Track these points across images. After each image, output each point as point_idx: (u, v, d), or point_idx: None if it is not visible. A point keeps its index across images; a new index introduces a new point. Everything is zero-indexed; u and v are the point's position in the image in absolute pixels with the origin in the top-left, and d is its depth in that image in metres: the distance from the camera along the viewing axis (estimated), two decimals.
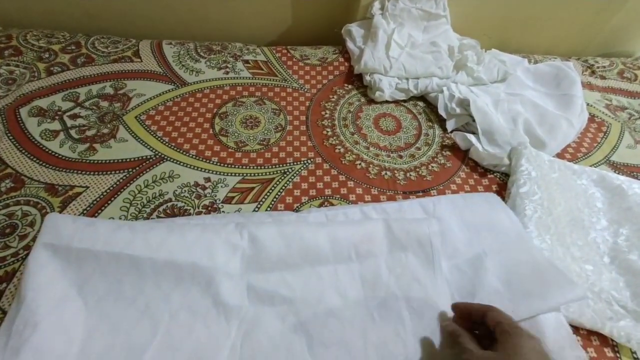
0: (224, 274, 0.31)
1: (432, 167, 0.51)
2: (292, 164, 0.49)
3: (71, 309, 0.29)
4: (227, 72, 0.59)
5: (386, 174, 0.50)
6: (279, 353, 0.29)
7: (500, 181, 0.50)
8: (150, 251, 0.31)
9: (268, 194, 0.46)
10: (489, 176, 0.51)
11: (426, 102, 0.60)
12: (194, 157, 0.48)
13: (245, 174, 0.47)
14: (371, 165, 0.50)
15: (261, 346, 0.29)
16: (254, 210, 0.43)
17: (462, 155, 0.53)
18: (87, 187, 0.43)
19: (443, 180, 0.50)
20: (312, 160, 0.50)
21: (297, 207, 0.44)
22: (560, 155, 0.53)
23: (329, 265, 0.35)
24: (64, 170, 0.44)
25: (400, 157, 0.52)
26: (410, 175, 0.50)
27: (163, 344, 0.28)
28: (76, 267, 0.31)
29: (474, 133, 0.53)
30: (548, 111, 0.55)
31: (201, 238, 0.33)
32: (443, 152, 0.53)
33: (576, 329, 0.36)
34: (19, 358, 0.27)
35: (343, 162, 0.50)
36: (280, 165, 0.49)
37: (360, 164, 0.50)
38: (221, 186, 0.45)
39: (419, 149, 0.53)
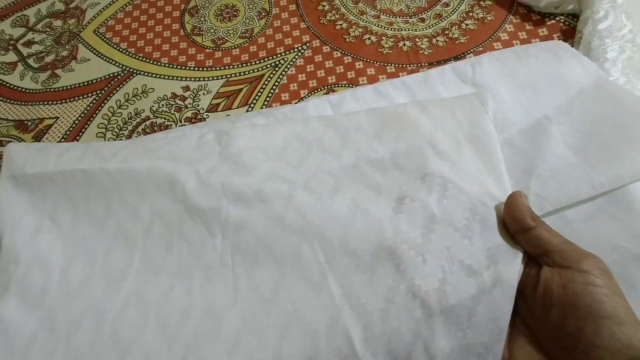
0: (188, 172, 0.24)
1: (467, 24, 0.38)
2: (283, 53, 0.39)
3: (47, 239, 0.26)
4: None
5: (404, 45, 0.38)
6: (285, 266, 0.22)
7: (565, 26, 0.37)
8: (101, 161, 0.25)
9: (259, 93, 0.37)
10: (548, 23, 0.37)
11: None
12: (166, 65, 0.40)
13: (229, 75, 0.39)
14: (384, 38, 0.39)
15: (257, 257, 0.22)
16: None
17: (509, 2, 0.39)
18: (57, 118, 0.38)
19: (483, 40, 0.37)
20: (307, 44, 0.40)
21: (297, 103, 0.36)
22: None
23: (343, 160, 0.26)
24: (30, 103, 0.39)
25: (422, 20, 0.40)
26: (437, 41, 0.38)
27: (143, 266, 0.24)
28: (40, 195, 0.27)
29: None
30: None
31: (165, 145, 0.26)
32: (481, 2, 0.39)
33: None
34: (9, 294, 0.25)
35: (347, 39, 0.39)
36: (270, 58, 0.39)
37: (369, 38, 0.39)
38: (203, 93, 0.38)
39: (446, 4, 0.40)
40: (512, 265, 0.20)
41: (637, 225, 0.24)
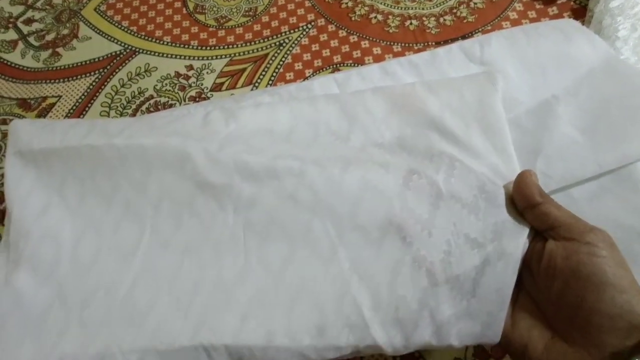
0: (197, 149, 0.24)
1: (475, 3, 0.38)
2: (288, 32, 0.39)
3: (56, 215, 0.26)
4: None
5: (411, 23, 0.38)
6: (296, 240, 0.22)
7: (575, 5, 0.36)
8: (108, 137, 0.25)
9: (264, 73, 0.37)
10: (559, 1, 0.36)
11: None
12: (169, 44, 0.39)
13: (232, 55, 0.38)
14: (390, 17, 0.38)
15: (269, 233, 0.23)
16: None
17: None
18: (60, 97, 0.38)
19: (491, 19, 0.37)
20: (312, 23, 0.39)
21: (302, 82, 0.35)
22: None
23: (351, 144, 0.26)
24: (32, 82, 0.39)
25: None
26: (444, 20, 0.37)
27: (152, 241, 0.24)
28: (47, 171, 0.27)
29: None
30: None
31: (172, 122, 0.26)
32: None
33: None
34: (19, 269, 0.25)
35: (353, 18, 0.39)
36: (274, 37, 0.39)
37: (375, 17, 0.38)
38: (207, 72, 0.37)
39: None
40: (517, 239, 0.20)
41: None
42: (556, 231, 0.19)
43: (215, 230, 0.23)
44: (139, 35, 0.40)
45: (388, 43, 0.37)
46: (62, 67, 0.39)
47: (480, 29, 0.36)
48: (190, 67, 0.38)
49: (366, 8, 0.39)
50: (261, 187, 0.23)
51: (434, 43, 0.36)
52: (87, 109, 0.37)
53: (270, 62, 0.37)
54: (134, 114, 0.36)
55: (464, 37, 0.36)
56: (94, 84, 0.38)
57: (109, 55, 0.39)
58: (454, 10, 0.38)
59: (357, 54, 0.37)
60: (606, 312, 0.16)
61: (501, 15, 0.37)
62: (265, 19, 0.40)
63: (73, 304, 0.23)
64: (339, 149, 0.25)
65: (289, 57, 0.37)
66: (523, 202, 0.21)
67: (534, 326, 0.19)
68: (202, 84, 0.37)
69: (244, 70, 0.37)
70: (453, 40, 0.36)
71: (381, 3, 0.39)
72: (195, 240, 0.23)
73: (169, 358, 0.20)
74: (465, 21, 0.37)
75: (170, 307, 0.21)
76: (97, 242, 0.25)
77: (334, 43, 0.38)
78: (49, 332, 0.22)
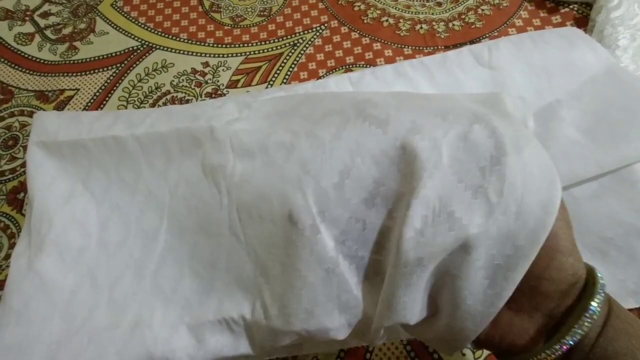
0: (205, 130, 0.24)
1: (483, 10, 0.39)
2: (302, 33, 0.40)
3: (81, 203, 0.27)
4: None
5: (421, 27, 0.39)
6: (281, 219, 0.20)
7: (578, 14, 0.38)
8: (131, 128, 0.26)
9: (278, 71, 0.38)
10: (562, 10, 0.38)
11: None
12: (185, 41, 0.40)
13: (248, 53, 0.39)
14: (401, 20, 0.40)
15: (261, 213, 0.21)
16: None
17: None
18: (78, 90, 0.38)
19: (498, 25, 0.38)
20: (326, 25, 0.40)
21: (317, 80, 0.37)
22: None
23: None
24: (50, 75, 0.39)
25: (439, 4, 0.40)
26: (453, 25, 0.39)
27: (171, 226, 0.25)
28: (72, 161, 0.28)
29: None
30: None
31: (188, 109, 0.27)
32: None
33: None
34: (42, 254, 0.26)
35: (365, 21, 0.40)
36: (289, 37, 0.40)
37: (387, 20, 0.40)
38: (222, 70, 0.38)
39: None
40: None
41: None
42: None
43: (215, 214, 0.23)
44: (156, 32, 0.41)
45: (399, 46, 0.38)
46: (80, 61, 0.40)
47: (487, 35, 0.38)
48: (206, 64, 0.39)
49: (378, 11, 0.40)
50: (253, 163, 0.22)
51: (443, 47, 0.38)
52: (104, 102, 0.37)
53: (285, 61, 0.39)
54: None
55: (472, 42, 0.38)
56: (111, 78, 0.39)
57: (126, 50, 0.40)
58: (463, 16, 0.39)
59: (369, 55, 0.38)
60: (553, 277, 0.16)
61: (507, 22, 0.38)
62: (279, 19, 0.41)
63: (103, 284, 0.23)
64: (336, 114, 0.22)
65: (303, 56, 0.39)
66: None
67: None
68: (218, 81, 0.38)
69: (259, 68, 0.38)
70: (461, 44, 0.38)
71: (393, 7, 0.40)
72: (203, 224, 0.24)
73: (197, 331, 0.21)
74: (473, 27, 0.39)
75: (194, 284, 0.23)
76: (123, 229, 0.26)
77: (346, 44, 0.39)
78: (78, 310, 0.23)
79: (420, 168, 0.18)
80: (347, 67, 0.38)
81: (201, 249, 0.24)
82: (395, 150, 0.19)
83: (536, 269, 0.16)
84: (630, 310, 0.21)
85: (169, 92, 0.38)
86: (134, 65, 0.39)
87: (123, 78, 0.39)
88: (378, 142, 0.20)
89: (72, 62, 0.40)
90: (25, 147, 0.36)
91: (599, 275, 0.16)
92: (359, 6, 0.41)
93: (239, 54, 0.39)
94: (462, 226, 0.17)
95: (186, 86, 0.38)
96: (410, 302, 0.18)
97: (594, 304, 0.15)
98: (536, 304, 0.17)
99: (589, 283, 0.16)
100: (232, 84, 0.38)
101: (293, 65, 0.38)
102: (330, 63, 0.38)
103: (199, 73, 0.38)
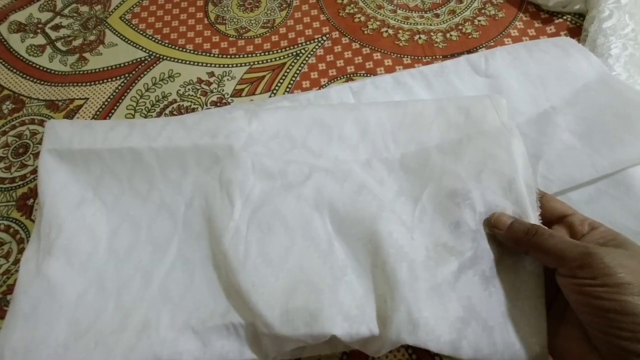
0: (226, 149, 0.26)
1: (479, 21, 0.41)
2: (304, 43, 0.41)
3: (91, 210, 0.28)
4: None
5: (420, 38, 0.40)
6: (294, 233, 0.24)
7: (572, 25, 0.39)
8: (148, 140, 0.27)
9: (281, 80, 0.39)
10: (556, 21, 0.40)
11: None
12: (191, 52, 0.42)
13: (252, 63, 0.41)
14: (400, 31, 0.41)
15: (271, 226, 0.24)
16: None
17: (519, 0, 0.41)
18: (87, 99, 0.40)
19: (494, 35, 0.39)
20: (327, 36, 0.42)
21: (319, 89, 0.38)
22: None
23: (359, 155, 0.27)
24: (60, 85, 0.41)
25: (437, 15, 0.42)
26: (450, 35, 0.40)
27: (185, 235, 0.25)
28: (84, 169, 0.29)
29: None
30: None
31: (202, 120, 0.28)
32: (493, 0, 0.42)
33: None
34: (51, 258, 0.27)
35: (365, 32, 0.41)
36: (291, 47, 0.41)
37: (386, 31, 0.41)
38: (227, 79, 0.40)
39: (460, 1, 0.42)
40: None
41: (635, 205, 0.27)
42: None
43: (223, 223, 0.24)
44: (163, 43, 0.43)
45: (398, 55, 0.39)
46: (89, 71, 0.41)
47: (484, 45, 0.39)
48: (211, 74, 0.40)
49: (378, 23, 0.42)
50: (272, 184, 0.25)
51: (441, 57, 0.39)
52: (113, 111, 0.39)
53: (288, 70, 0.40)
54: (158, 117, 0.38)
55: (469, 52, 0.39)
56: (119, 87, 0.40)
57: (134, 61, 0.41)
58: (460, 27, 0.41)
59: (369, 64, 0.39)
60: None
61: (503, 32, 0.40)
62: (282, 30, 0.43)
63: (111, 288, 0.24)
64: (347, 159, 0.27)
65: (305, 66, 0.40)
66: (555, 214, 0.22)
67: (577, 339, 0.19)
68: (222, 90, 0.39)
69: (262, 77, 0.40)
70: (459, 54, 0.39)
71: (392, 18, 0.42)
72: (216, 234, 0.25)
73: (203, 335, 0.22)
74: (470, 37, 0.40)
75: (204, 290, 0.23)
76: (132, 236, 0.26)
77: (347, 54, 0.40)
78: (86, 313, 0.23)
79: None
80: (348, 76, 0.39)
81: (214, 257, 0.25)
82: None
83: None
84: None
85: (175, 101, 0.39)
86: (142, 75, 0.40)
87: (131, 87, 0.40)
88: (379, 193, 0.25)
89: (82, 72, 0.41)
90: (35, 155, 0.37)
91: None
92: (359, 18, 0.42)
93: (243, 64, 0.41)
94: None
95: (192, 95, 0.39)
96: None
97: None
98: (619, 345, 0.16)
99: None
100: (237, 93, 0.39)
101: (296, 75, 0.39)
102: (332, 72, 0.39)
103: (204, 82, 0.40)
